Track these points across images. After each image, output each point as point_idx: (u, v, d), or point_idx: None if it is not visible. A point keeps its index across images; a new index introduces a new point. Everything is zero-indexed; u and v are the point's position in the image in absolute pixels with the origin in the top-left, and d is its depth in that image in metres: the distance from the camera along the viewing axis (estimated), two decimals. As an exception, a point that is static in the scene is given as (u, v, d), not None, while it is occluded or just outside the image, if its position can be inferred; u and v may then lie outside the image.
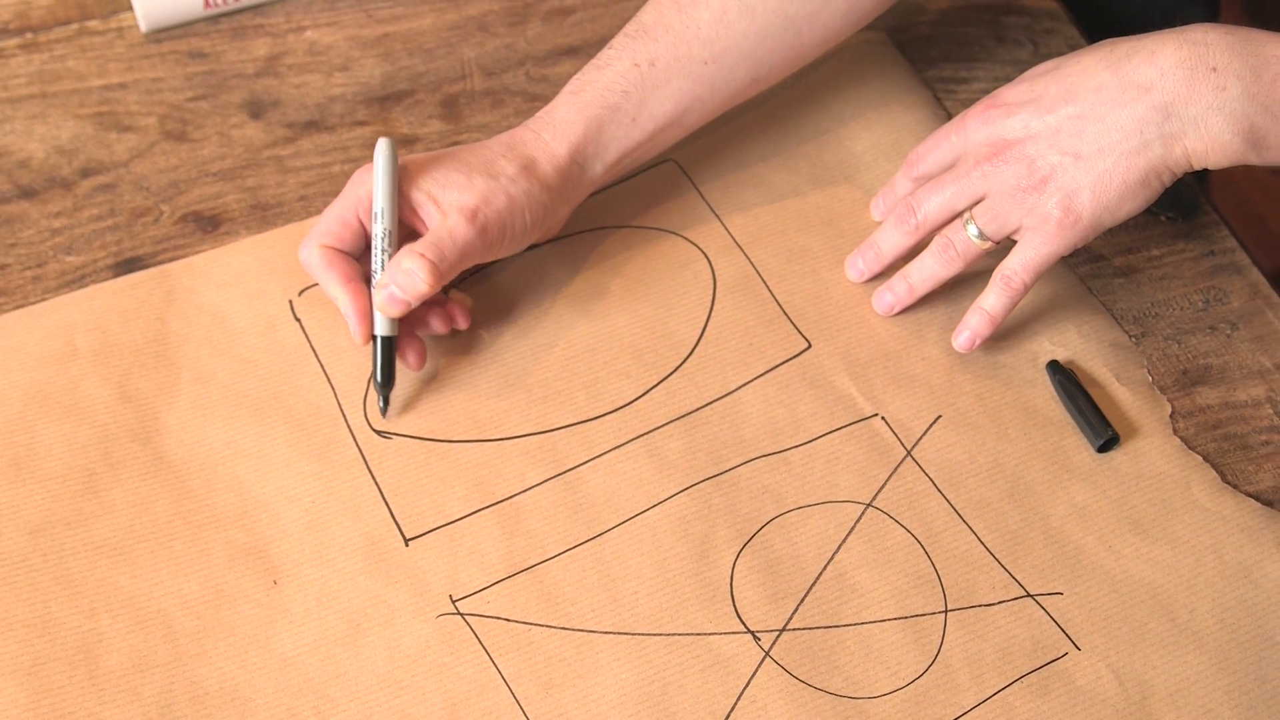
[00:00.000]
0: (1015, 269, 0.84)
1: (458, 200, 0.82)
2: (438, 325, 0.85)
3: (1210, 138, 0.79)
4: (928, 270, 0.87)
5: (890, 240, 0.88)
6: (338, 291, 0.82)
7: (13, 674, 0.74)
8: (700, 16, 0.86)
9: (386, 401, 0.83)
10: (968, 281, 0.89)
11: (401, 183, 0.83)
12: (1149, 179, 0.81)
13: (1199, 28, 0.80)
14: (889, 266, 0.89)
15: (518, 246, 0.86)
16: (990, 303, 0.85)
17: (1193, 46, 0.79)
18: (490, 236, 0.82)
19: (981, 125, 0.85)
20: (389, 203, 0.82)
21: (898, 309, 0.89)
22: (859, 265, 0.90)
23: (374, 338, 0.82)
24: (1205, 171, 1.20)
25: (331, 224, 0.83)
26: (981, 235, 0.85)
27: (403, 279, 0.80)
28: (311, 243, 0.83)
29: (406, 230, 0.84)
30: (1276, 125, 0.78)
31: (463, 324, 0.85)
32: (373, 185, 0.82)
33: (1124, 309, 0.91)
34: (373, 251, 0.82)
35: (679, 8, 0.87)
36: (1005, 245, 0.85)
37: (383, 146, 0.82)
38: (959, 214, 0.86)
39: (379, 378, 0.82)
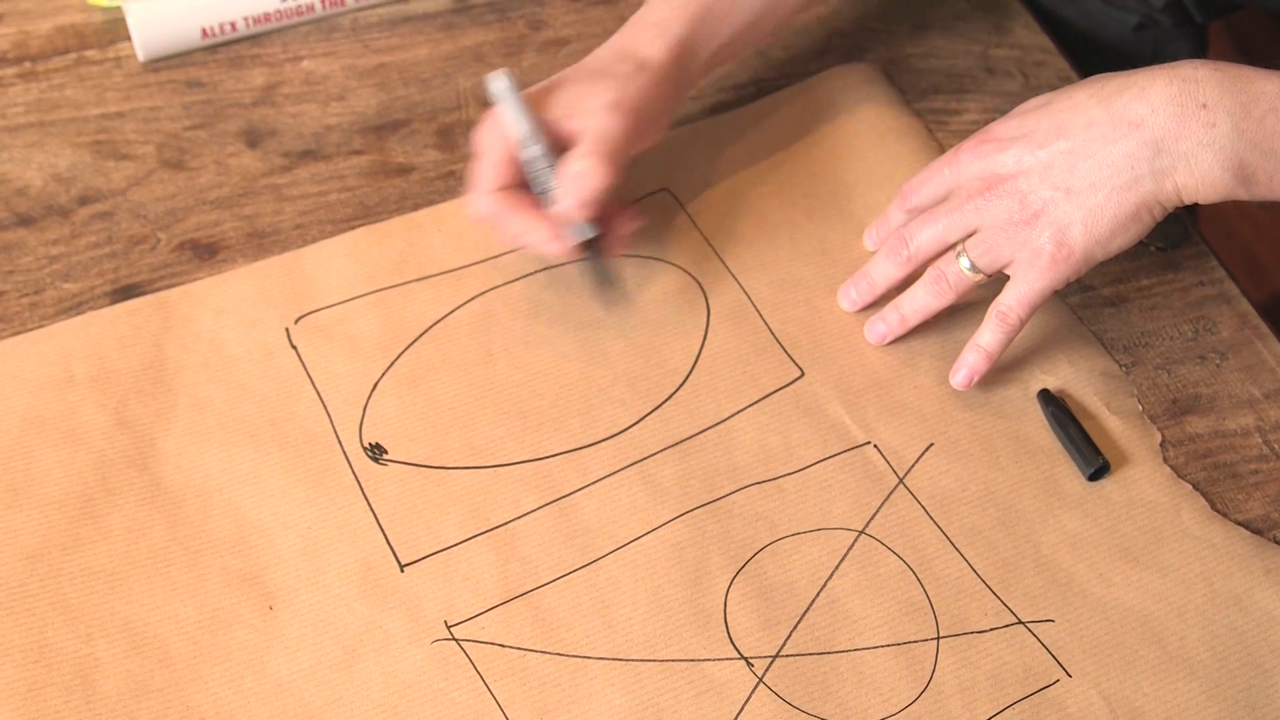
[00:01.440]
0: (1010, 304, 0.85)
1: (597, 101, 0.85)
2: (622, 228, 0.88)
3: (1200, 173, 0.80)
4: (919, 301, 0.88)
5: (883, 271, 0.89)
6: (529, 225, 0.84)
7: (9, 699, 0.74)
8: None
9: (620, 291, 0.89)
10: (961, 312, 0.90)
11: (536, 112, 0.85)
12: (1140, 213, 0.82)
13: (1189, 64, 0.81)
14: (881, 297, 0.90)
15: (659, 134, 0.90)
16: (986, 339, 0.86)
17: (1183, 83, 0.80)
18: (638, 122, 0.86)
19: (974, 159, 0.86)
20: (532, 126, 0.84)
21: (889, 339, 0.89)
22: (851, 295, 0.91)
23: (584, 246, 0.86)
24: (1195, 204, 1.22)
25: (489, 169, 0.85)
26: (974, 268, 0.85)
27: (577, 181, 0.83)
28: (481, 191, 0.85)
29: (557, 153, 0.86)
30: (1265, 162, 0.79)
31: (636, 222, 0.89)
32: (508, 119, 0.84)
33: (1114, 338, 0.92)
34: (534, 176, 0.85)
35: None
36: (997, 278, 0.86)
37: (497, 78, 0.84)
38: (951, 246, 0.87)
39: (604, 276, 0.88)
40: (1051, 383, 0.89)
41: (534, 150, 0.84)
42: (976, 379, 0.87)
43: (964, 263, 0.86)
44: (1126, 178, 0.81)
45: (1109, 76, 0.84)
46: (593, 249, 0.86)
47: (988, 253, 0.85)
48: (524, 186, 0.86)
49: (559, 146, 0.86)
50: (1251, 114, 0.79)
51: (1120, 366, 0.90)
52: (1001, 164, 0.84)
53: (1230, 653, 0.80)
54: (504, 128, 0.85)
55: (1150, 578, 0.82)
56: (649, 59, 0.88)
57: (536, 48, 1.04)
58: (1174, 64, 0.81)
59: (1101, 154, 0.81)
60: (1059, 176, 0.82)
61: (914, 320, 0.88)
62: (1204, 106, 0.79)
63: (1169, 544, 0.83)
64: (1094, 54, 1.12)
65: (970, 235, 0.85)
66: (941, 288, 0.87)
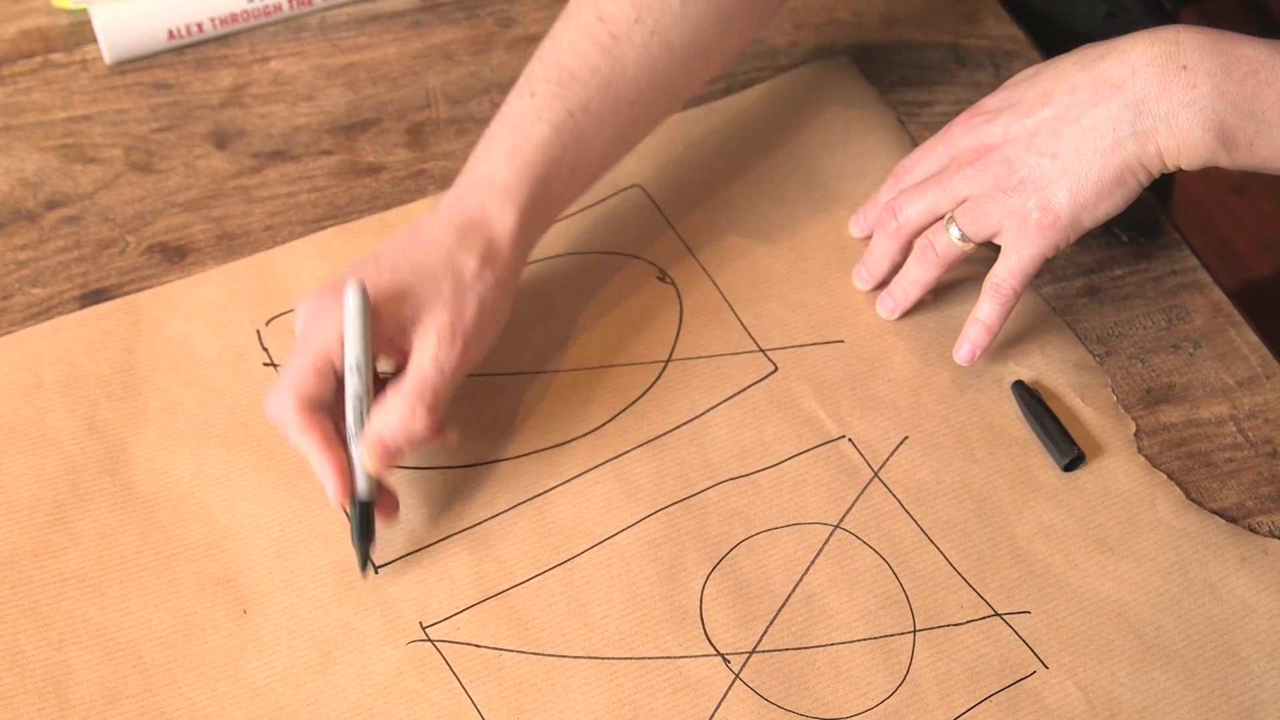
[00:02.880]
0: (1003, 275, 0.85)
1: (433, 323, 0.78)
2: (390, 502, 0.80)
3: (1181, 135, 0.80)
4: (912, 274, 0.88)
5: (879, 247, 0.90)
6: (315, 455, 0.76)
7: (-19, 707, 0.74)
8: (626, 56, 0.84)
9: (368, 558, 0.79)
10: (942, 304, 0.91)
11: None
12: (1124, 177, 0.82)
13: (1170, 28, 0.81)
14: (886, 274, 0.91)
15: (497, 332, 0.82)
16: (984, 313, 0.86)
17: (1164, 45, 0.80)
18: (472, 350, 0.79)
19: (964, 134, 0.87)
20: (365, 355, 0.76)
21: (898, 313, 0.90)
22: (862, 274, 0.92)
23: (356, 508, 0.77)
24: (1169, 192, 1.22)
25: (303, 374, 0.76)
26: (963, 237, 0.86)
27: (397, 427, 0.76)
28: (283, 396, 0.76)
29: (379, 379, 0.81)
30: (1245, 124, 0.79)
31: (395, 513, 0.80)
32: (346, 338, 0.76)
33: (1087, 329, 0.92)
34: (349, 409, 0.77)
35: (603, 49, 0.84)
36: (987, 252, 0.87)
37: (353, 293, 0.76)
38: (940, 218, 0.87)
39: (359, 538, 0.77)
40: (1025, 374, 0.89)
41: (356, 385, 0.76)
42: (979, 353, 0.87)
43: (953, 232, 0.86)
44: (1109, 140, 0.81)
45: (1094, 45, 0.84)
46: (365, 512, 0.77)
47: (975, 220, 0.85)
48: (329, 402, 0.78)
49: (395, 359, 0.80)
50: (1232, 76, 0.79)
51: (1094, 357, 0.91)
52: (990, 135, 0.85)
53: (1206, 641, 0.80)
54: (337, 342, 0.77)
55: (1126, 567, 0.82)
56: (494, 244, 0.80)
57: (506, 45, 1.03)
58: (1156, 28, 0.81)
59: (1085, 118, 0.81)
60: (1044, 143, 0.82)
61: (912, 293, 0.89)
62: (1185, 68, 0.79)
63: (1144, 533, 0.83)
64: (1065, 43, 1.11)
65: (958, 205, 0.86)
66: (929, 257, 0.87)
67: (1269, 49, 0.79)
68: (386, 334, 0.78)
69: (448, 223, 0.80)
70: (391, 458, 0.77)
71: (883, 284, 0.91)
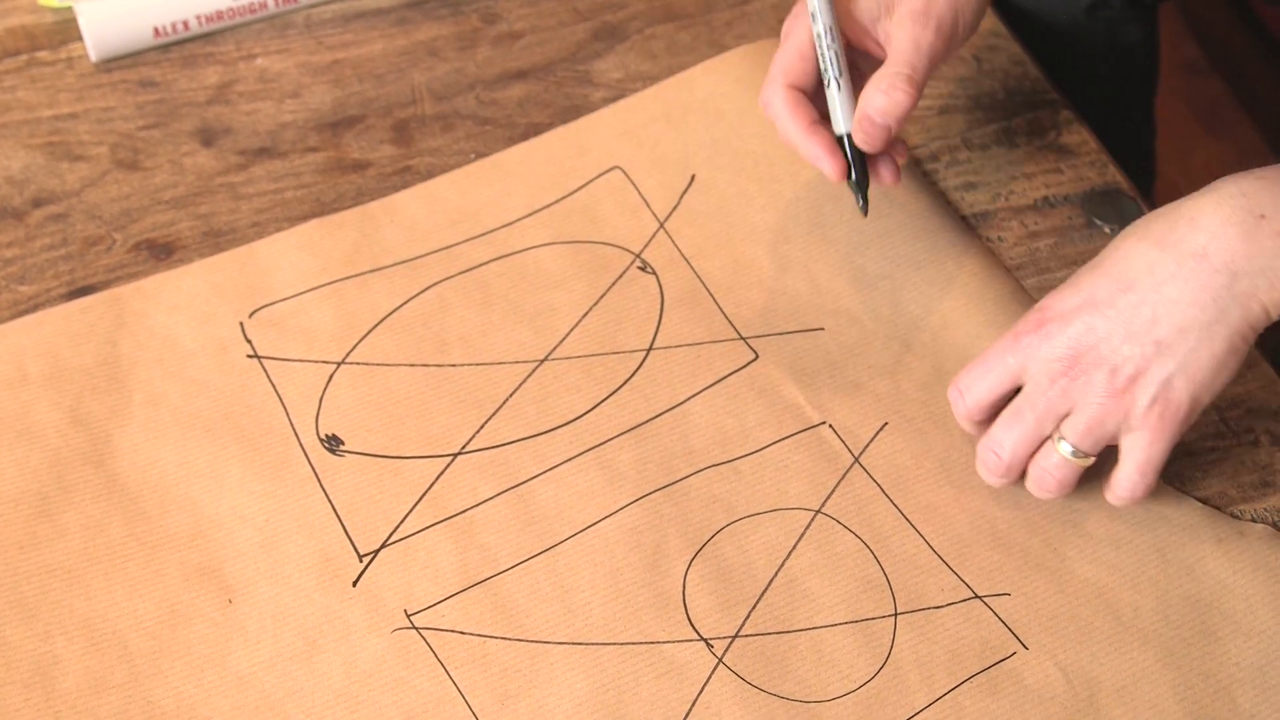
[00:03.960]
0: (1134, 479, 0.79)
1: (906, 7, 0.83)
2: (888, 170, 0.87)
3: None
4: (1036, 496, 0.82)
5: (990, 479, 0.83)
6: (801, 139, 0.84)
7: (-33, 697, 0.73)
8: None
9: (865, 200, 0.86)
10: (933, 279, 0.90)
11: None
12: (1235, 345, 0.76)
13: (1228, 180, 0.77)
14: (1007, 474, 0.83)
15: (969, 33, 0.87)
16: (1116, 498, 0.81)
17: (1233, 200, 0.75)
18: (946, 31, 0.84)
19: (1041, 341, 0.78)
20: (833, 20, 0.84)
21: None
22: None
23: (847, 142, 0.85)
24: (1150, 185, 1.22)
25: (790, 60, 0.85)
26: (1077, 452, 0.79)
27: (882, 102, 0.82)
28: (775, 83, 0.85)
29: (859, 54, 0.87)
30: None
31: (902, 157, 0.88)
32: (815, 17, 0.84)
33: (1067, 316, 0.91)
34: (827, 86, 0.85)
35: None
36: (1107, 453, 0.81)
37: None
38: (1046, 438, 0.80)
39: (857, 175, 0.85)
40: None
41: (830, 70, 0.84)
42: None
43: (1064, 449, 0.79)
44: (1212, 313, 0.75)
45: (1149, 217, 0.79)
46: (858, 151, 0.86)
47: (1090, 433, 0.78)
48: (816, 86, 0.86)
49: (859, 50, 0.87)
50: None
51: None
52: (1074, 338, 0.77)
53: (1184, 621, 0.80)
54: (807, 25, 0.85)
55: (1104, 550, 0.82)
56: None
57: (490, 41, 1.03)
58: (1212, 185, 0.77)
59: (1176, 296, 0.75)
60: (1141, 332, 0.76)
61: (1059, 493, 0.82)
62: (1263, 217, 0.74)
63: (1121, 516, 0.83)
64: (1046, 37, 1.12)
65: (1063, 420, 0.79)
66: (1049, 485, 0.80)
67: None
68: (862, 23, 0.85)
69: None
70: (879, 134, 0.83)
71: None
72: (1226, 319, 0.75)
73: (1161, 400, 0.76)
